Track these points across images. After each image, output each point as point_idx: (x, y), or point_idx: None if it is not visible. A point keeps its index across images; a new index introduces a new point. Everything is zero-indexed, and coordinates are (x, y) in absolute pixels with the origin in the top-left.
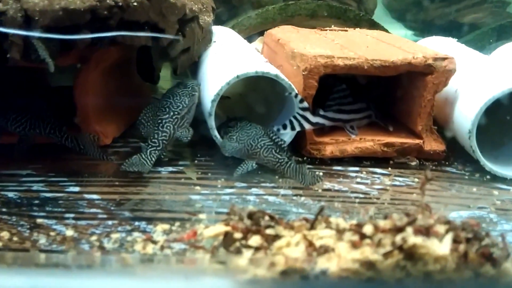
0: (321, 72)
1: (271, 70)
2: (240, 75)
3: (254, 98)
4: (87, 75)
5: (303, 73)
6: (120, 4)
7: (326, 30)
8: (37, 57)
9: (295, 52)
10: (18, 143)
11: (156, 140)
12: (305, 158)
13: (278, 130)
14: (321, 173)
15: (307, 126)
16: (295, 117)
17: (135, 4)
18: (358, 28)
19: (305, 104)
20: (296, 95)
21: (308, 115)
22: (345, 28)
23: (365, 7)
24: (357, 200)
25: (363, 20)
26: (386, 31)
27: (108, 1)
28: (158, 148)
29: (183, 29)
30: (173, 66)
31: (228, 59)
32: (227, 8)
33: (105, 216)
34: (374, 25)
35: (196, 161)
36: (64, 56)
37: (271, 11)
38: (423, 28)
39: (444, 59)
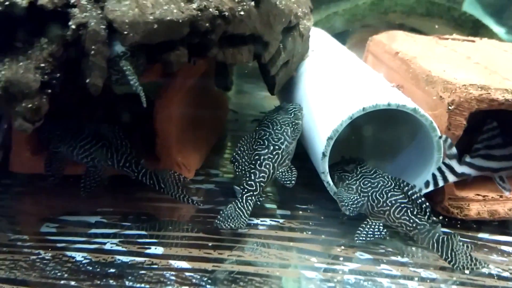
0: (473, 108)
1: (407, 101)
2: (367, 107)
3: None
4: (172, 96)
5: (449, 107)
6: (226, 14)
7: (447, 39)
8: (119, 80)
9: (434, 76)
10: (85, 176)
11: (252, 183)
12: (440, 218)
13: (420, 189)
14: (470, 246)
15: (451, 179)
16: (439, 169)
17: (242, 13)
18: (485, 38)
19: (454, 150)
20: (445, 139)
21: (454, 164)
22: (472, 38)
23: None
24: None
25: (469, 20)
26: (496, 36)
27: (210, 10)
28: (255, 193)
29: (285, 40)
30: (270, 84)
31: (341, 80)
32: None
33: None
34: (481, 28)
35: (300, 212)
36: (145, 71)
37: (361, 7)
38: None
39: None
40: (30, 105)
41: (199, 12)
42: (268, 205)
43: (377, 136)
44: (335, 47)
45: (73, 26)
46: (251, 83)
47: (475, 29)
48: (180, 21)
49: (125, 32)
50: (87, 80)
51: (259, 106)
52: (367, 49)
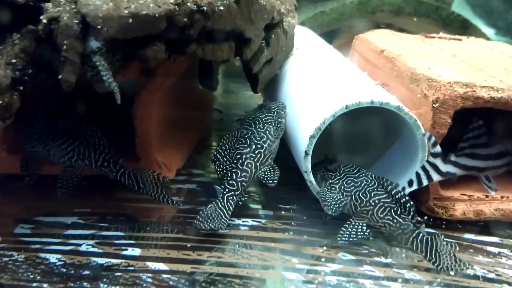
0: (457, 106)
1: (391, 99)
2: (350, 105)
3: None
4: (152, 93)
5: (434, 105)
6: (204, 8)
7: (434, 37)
8: (95, 77)
9: (419, 74)
10: (61, 176)
11: (234, 182)
12: (425, 218)
13: (403, 188)
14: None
15: (436, 177)
16: (423, 168)
17: (221, 8)
18: (473, 37)
19: (438, 149)
20: (429, 137)
21: (439, 162)
22: (459, 37)
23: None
24: None
25: (457, 20)
26: (484, 36)
27: (188, 4)
28: (236, 193)
29: (267, 37)
30: (253, 82)
31: (325, 78)
32: None
33: None
34: (469, 28)
35: (282, 212)
36: (124, 69)
37: (349, 6)
38: (508, 28)
39: None
40: (0, 102)
41: (176, 6)
42: (250, 205)
43: (361, 135)
44: (320, 45)
45: (44, 21)
46: (237, 82)
47: (464, 29)
48: (157, 15)
49: (99, 27)
50: (60, 76)
51: (245, 105)
52: (353, 48)
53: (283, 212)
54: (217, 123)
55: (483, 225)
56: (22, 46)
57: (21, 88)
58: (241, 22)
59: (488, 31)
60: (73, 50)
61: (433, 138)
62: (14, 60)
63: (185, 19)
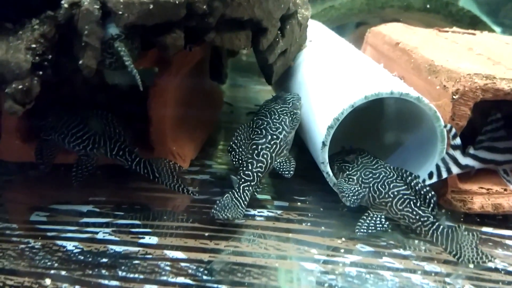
0: (477, 98)
1: (410, 90)
2: (369, 95)
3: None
4: (167, 83)
5: (454, 96)
6: None
7: (448, 31)
8: (113, 64)
9: (437, 65)
10: (76, 165)
11: (249, 173)
12: (443, 211)
13: (424, 181)
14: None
15: (455, 170)
16: (443, 160)
17: None
18: (486, 32)
19: (458, 141)
20: (450, 129)
21: (458, 155)
22: (472, 31)
23: None
24: None
25: (466, 16)
26: (494, 32)
27: None
28: (252, 183)
29: (282, 28)
30: (268, 74)
31: (341, 70)
32: None
33: None
34: (478, 24)
35: (298, 203)
36: (140, 58)
37: (358, 1)
38: None
39: None
40: (20, 86)
41: None
42: (265, 196)
43: (376, 128)
44: (333, 38)
45: (66, 5)
46: (245, 77)
47: (473, 24)
48: (177, 2)
49: (120, 12)
50: (80, 62)
51: (254, 99)
52: (365, 41)
53: (299, 204)
54: (227, 116)
55: (502, 219)
56: (42, 32)
57: (41, 73)
58: (259, 11)
59: (495, 29)
60: (94, 35)
61: (453, 130)
62: (34, 45)
63: (204, 7)
